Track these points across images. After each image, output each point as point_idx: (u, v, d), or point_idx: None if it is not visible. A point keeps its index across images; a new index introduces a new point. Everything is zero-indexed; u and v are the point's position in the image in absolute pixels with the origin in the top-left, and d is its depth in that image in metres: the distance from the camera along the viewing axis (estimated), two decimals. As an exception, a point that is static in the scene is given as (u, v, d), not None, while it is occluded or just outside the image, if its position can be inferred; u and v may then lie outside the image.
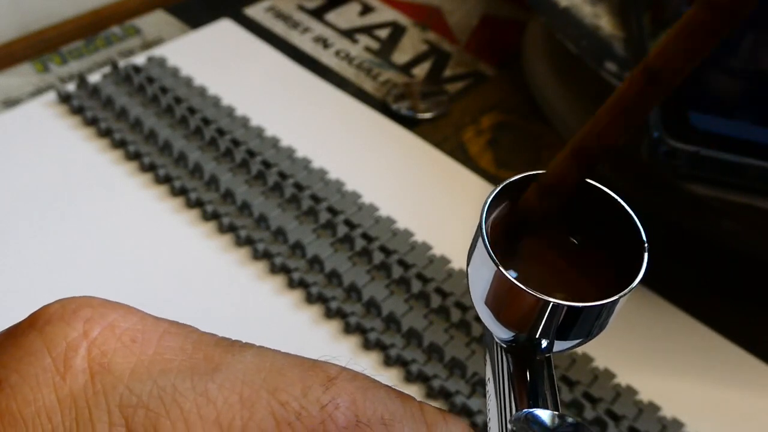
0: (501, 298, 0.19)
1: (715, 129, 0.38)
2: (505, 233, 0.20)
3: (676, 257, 0.44)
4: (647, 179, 0.41)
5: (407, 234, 0.44)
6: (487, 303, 0.19)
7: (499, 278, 0.18)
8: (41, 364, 0.17)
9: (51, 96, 0.50)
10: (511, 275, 0.18)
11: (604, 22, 0.44)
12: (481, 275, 0.19)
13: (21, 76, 0.52)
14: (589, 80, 0.44)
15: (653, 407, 0.38)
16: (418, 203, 0.47)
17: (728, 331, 0.42)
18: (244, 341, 0.20)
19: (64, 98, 0.49)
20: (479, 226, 0.19)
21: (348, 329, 0.39)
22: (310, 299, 0.40)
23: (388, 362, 0.38)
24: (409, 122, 0.52)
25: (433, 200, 0.47)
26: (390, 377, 0.38)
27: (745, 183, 0.38)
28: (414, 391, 0.38)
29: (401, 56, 0.58)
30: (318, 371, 0.18)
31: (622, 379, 0.39)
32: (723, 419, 0.39)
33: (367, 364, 0.39)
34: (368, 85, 0.55)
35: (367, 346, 0.39)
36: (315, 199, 0.45)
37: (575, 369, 0.39)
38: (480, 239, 0.19)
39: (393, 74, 0.56)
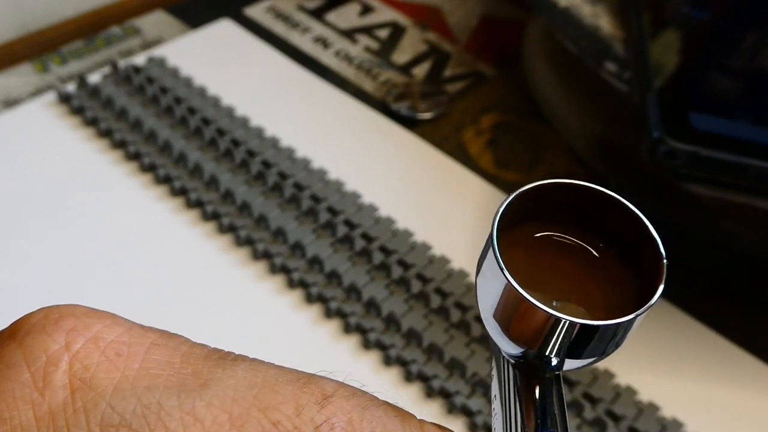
0: (511, 312, 0.18)
1: (715, 129, 0.38)
2: (518, 241, 0.19)
3: (676, 257, 0.44)
4: (647, 179, 0.41)
5: (407, 234, 0.44)
6: (495, 317, 0.18)
7: (509, 292, 0.17)
8: (19, 378, 0.17)
9: (51, 96, 0.50)
10: (522, 289, 0.17)
11: (604, 22, 0.44)
12: (491, 287, 0.18)
13: (21, 76, 0.52)
14: (589, 80, 0.44)
15: (653, 407, 0.38)
16: (418, 203, 0.47)
17: (728, 331, 0.42)
18: (237, 353, 0.19)
19: (64, 98, 0.49)
20: (490, 236, 0.18)
21: (348, 329, 0.39)
22: (310, 299, 0.40)
23: (388, 362, 0.38)
24: (409, 122, 0.52)
25: (433, 200, 0.47)
26: (390, 377, 0.38)
27: (745, 183, 0.38)
28: (414, 390, 0.38)
29: (401, 56, 0.58)
30: (313, 388, 0.18)
31: (622, 379, 0.39)
32: (723, 419, 0.39)
33: (367, 364, 0.39)
34: (368, 85, 0.55)
35: (367, 346, 0.39)
36: (315, 199, 0.45)
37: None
38: (491, 250, 0.18)
39: (393, 74, 0.56)
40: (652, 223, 0.19)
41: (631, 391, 0.38)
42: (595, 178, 0.20)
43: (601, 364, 0.39)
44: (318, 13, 0.61)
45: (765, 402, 0.40)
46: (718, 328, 0.42)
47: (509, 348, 0.19)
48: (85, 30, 0.57)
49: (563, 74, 0.51)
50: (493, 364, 0.20)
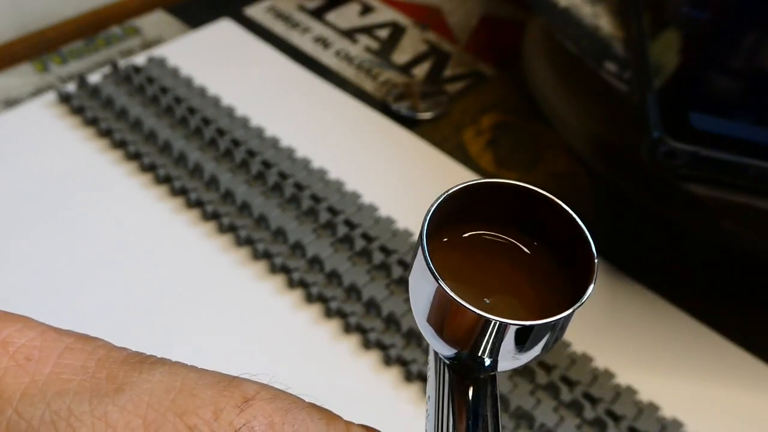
0: (443, 314, 0.18)
1: (715, 129, 0.38)
2: (452, 242, 0.19)
3: (676, 257, 0.44)
4: (647, 179, 0.41)
5: (407, 234, 0.44)
6: (428, 319, 0.18)
7: (440, 294, 0.17)
8: None
9: (51, 96, 0.50)
10: (452, 291, 0.17)
11: (604, 22, 0.44)
12: (422, 289, 0.18)
13: (21, 76, 0.52)
14: (589, 80, 0.44)
15: (653, 407, 0.38)
16: (417, 203, 0.47)
17: (728, 331, 0.42)
18: (157, 356, 0.18)
19: (64, 98, 0.49)
20: (420, 237, 0.18)
21: (348, 329, 0.39)
22: (310, 299, 0.40)
23: (388, 362, 0.38)
24: (409, 122, 0.52)
25: (433, 200, 0.47)
26: (390, 377, 0.38)
27: (745, 183, 0.38)
28: (414, 390, 0.38)
29: (401, 56, 0.58)
30: (234, 391, 0.17)
31: (622, 379, 0.39)
32: (723, 419, 0.39)
33: (367, 364, 0.39)
34: (368, 85, 0.55)
35: (367, 346, 0.39)
36: (315, 199, 0.45)
37: (575, 369, 0.39)
38: (420, 251, 0.18)
39: (393, 74, 0.56)
40: (585, 224, 0.18)
41: (631, 391, 0.38)
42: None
43: (601, 364, 0.39)
44: (318, 13, 0.61)
45: (765, 402, 0.40)
46: (718, 328, 0.42)
47: (443, 349, 0.18)
48: (85, 30, 0.57)
49: (563, 74, 0.51)
50: (430, 364, 0.20)
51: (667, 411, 0.38)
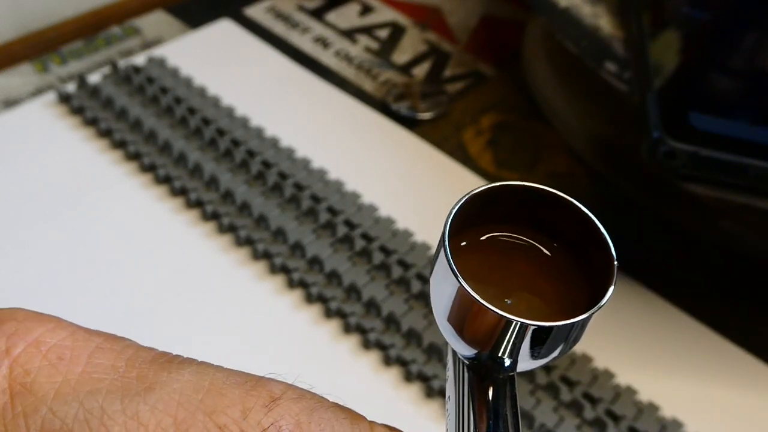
0: (464, 314, 0.18)
1: (714, 129, 0.38)
2: (473, 243, 0.19)
3: (676, 257, 0.44)
4: (647, 179, 0.41)
5: (407, 234, 0.44)
6: (449, 319, 0.18)
7: (461, 294, 0.17)
8: None
9: (51, 96, 0.50)
10: (473, 291, 0.17)
11: (604, 23, 0.44)
12: (443, 290, 0.18)
13: (21, 76, 0.52)
14: (589, 80, 0.44)
15: (653, 407, 0.38)
16: (418, 203, 0.47)
17: (728, 331, 0.42)
18: (184, 356, 0.18)
19: (64, 98, 0.49)
20: (442, 238, 0.18)
21: (348, 329, 0.39)
22: (310, 299, 0.40)
23: (388, 362, 0.38)
24: (409, 122, 0.52)
25: (433, 200, 0.47)
26: (390, 377, 0.38)
27: (745, 183, 0.38)
28: (414, 390, 0.38)
29: (401, 56, 0.58)
30: (261, 391, 0.17)
31: (622, 379, 0.39)
32: (722, 419, 0.39)
33: (367, 364, 0.39)
34: (368, 85, 0.55)
35: (367, 345, 0.39)
36: (315, 199, 0.45)
37: (575, 369, 0.39)
38: (442, 252, 0.18)
39: (393, 74, 0.56)
40: (606, 227, 0.18)
41: (631, 391, 0.38)
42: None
43: (601, 364, 0.39)
44: (318, 13, 0.61)
45: (765, 402, 0.40)
46: (718, 328, 0.42)
47: (463, 349, 0.19)
48: (85, 30, 0.57)
49: (563, 74, 0.51)
50: (449, 365, 0.20)
51: (667, 411, 0.38)
